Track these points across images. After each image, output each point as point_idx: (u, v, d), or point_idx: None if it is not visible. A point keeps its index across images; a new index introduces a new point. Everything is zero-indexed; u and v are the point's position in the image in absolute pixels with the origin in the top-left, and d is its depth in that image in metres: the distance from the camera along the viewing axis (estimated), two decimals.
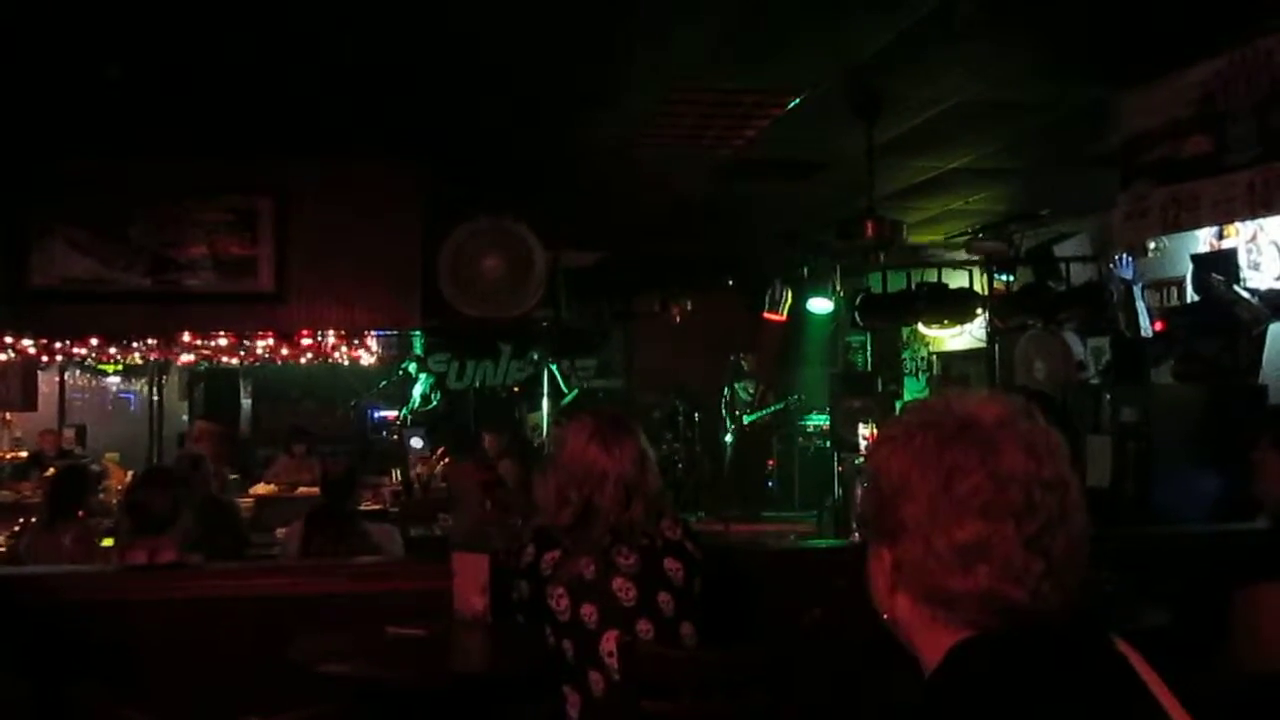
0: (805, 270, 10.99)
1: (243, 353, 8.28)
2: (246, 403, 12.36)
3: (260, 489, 9.00)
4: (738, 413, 12.03)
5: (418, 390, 12.24)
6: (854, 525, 8.94)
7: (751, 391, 12.05)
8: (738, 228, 10.09)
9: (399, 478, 9.65)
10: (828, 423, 11.24)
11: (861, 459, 9.09)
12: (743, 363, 12.11)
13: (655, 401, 12.66)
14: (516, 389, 13.65)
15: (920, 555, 1.29)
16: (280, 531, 6.58)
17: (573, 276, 10.44)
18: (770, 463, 12.38)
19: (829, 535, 9.46)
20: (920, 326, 10.70)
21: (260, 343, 7.79)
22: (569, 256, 10.07)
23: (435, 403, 12.25)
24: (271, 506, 8.39)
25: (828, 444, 11.11)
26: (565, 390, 12.10)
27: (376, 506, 8.39)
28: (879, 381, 10.85)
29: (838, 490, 10.07)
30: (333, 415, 12.35)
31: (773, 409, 11.92)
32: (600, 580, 3.07)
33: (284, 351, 8.14)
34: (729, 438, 12.00)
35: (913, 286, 8.52)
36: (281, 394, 12.46)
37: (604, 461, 3.15)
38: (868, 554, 1.38)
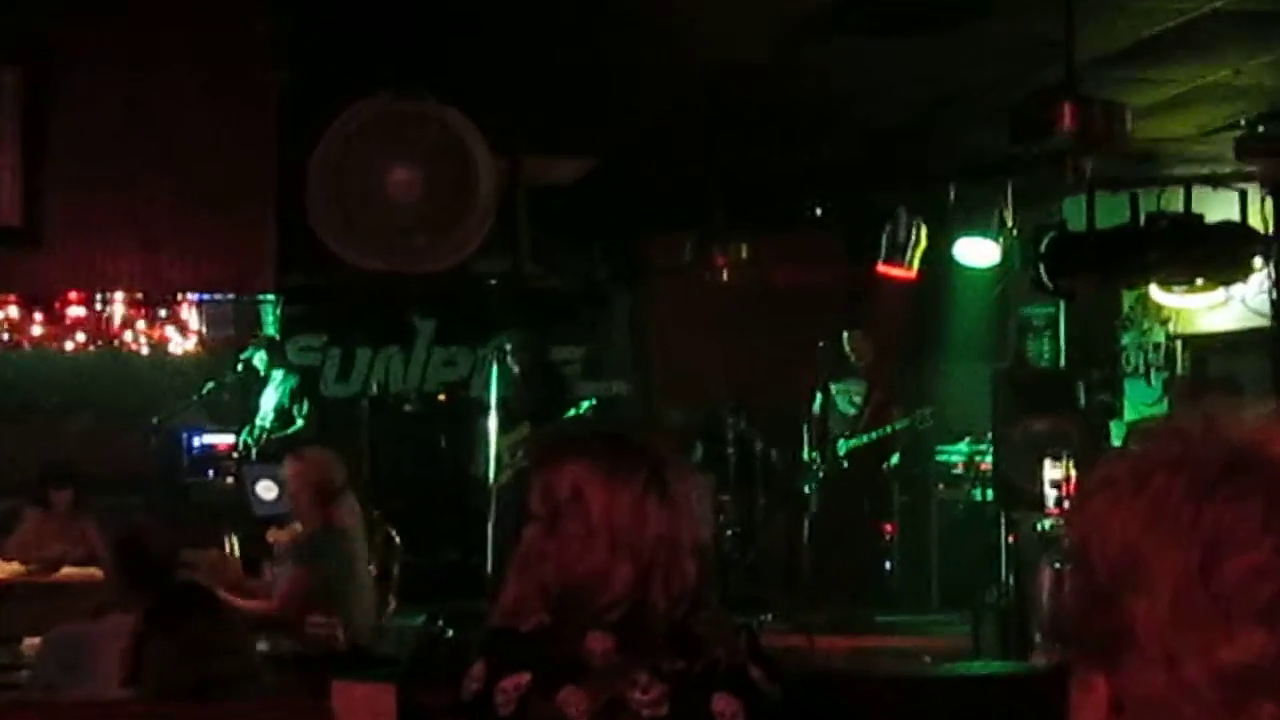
0: (950, 194, 11.02)
1: None
2: None
3: None
4: (833, 439, 12.04)
5: (269, 399, 12.29)
6: (1038, 638, 8.91)
7: (859, 401, 12.08)
8: (832, 121, 10.11)
9: (235, 550, 9.69)
10: (989, 458, 11.20)
11: (1052, 522, 9.03)
12: (847, 350, 12.13)
13: (688, 422, 12.69)
14: (442, 398, 13.67)
15: (1160, 689, 1.31)
16: (30, 643, 6.62)
17: (543, 203, 10.47)
18: (888, 528, 12.39)
19: (992, 655, 9.46)
20: (1155, 290, 10.67)
21: None
22: (536, 167, 10.11)
23: (300, 421, 12.30)
24: (15, 600, 8.44)
25: (988, 495, 11.08)
26: (568, 395, 12.13)
27: None
28: (1079, 388, 10.84)
29: (1007, 577, 10.08)
30: (119, 443, 12.40)
31: (890, 430, 11.95)
32: None
33: (35, 331, 8.17)
34: (813, 484, 12.02)
35: (1141, 220, 8.51)
36: (29, 405, 12.50)
37: (668, 526, 3.18)
38: (1069, 686, 1.39)
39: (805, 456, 12.10)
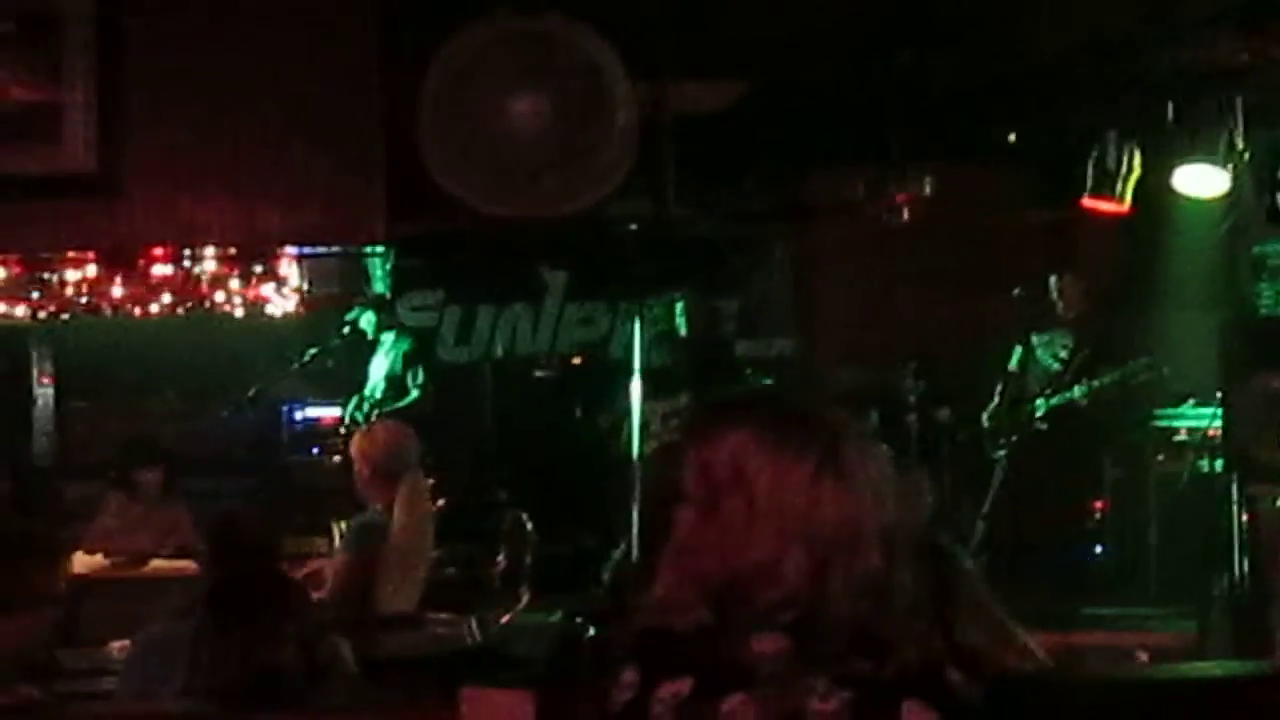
0: (1169, 112, 10.86)
1: (33, 296, 8.46)
2: (41, 397, 12.66)
3: (75, 563, 9.14)
4: (1033, 397, 11.95)
5: (380, 366, 12.43)
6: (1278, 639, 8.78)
7: (1064, 355, 11.99)
8: (1030, 26, 10.01)
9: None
10: (1217, 423, 11.08)
11: None
12: (1054, 298, 12.04)
13: (859, 383, 12.70)
14: (577, 361, 13.77)
15: None
16: (118, 645, 6.74)
17: (690, 135, 10.46)
18: (1098, 505, 12.29)
19: (1222, 654, 9.36)
20: None
21: (70, 273, 7.96)
22: (681, 93, 10.09)
23: (415, 391, 12.43)
24: (100, 597, 8.56)
25: (1217, 466, 10.97)
26: (723, 356, 12.17)
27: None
28: None
29: (1241, 563, 9.97)
30: (212, 419, 12.59)
31: (1100, 384, 11.85)
32: None
33: (116, 292, 8.30)
34: (1003, 450, 11.95)
35: None
36: (110, 379, 12.73)
37: (849, 510, 3.18)
38: None
39: (990, 420, 12.03)
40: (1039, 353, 12.11)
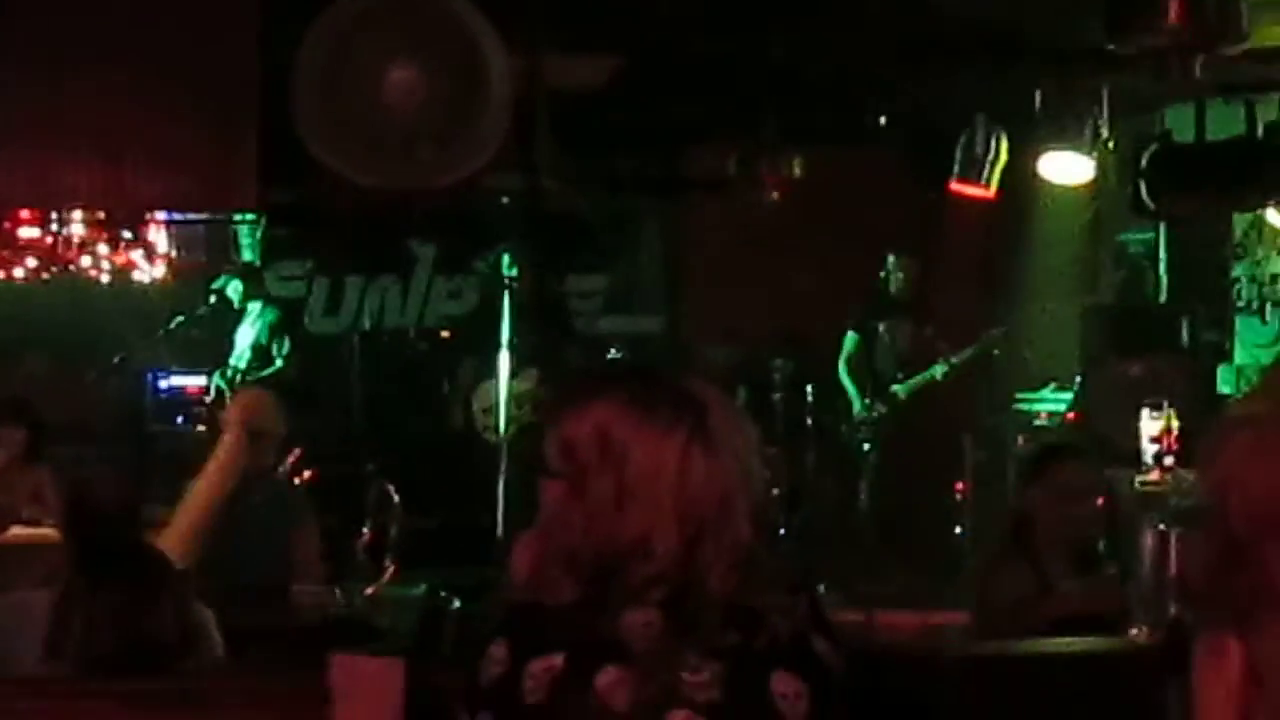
0: (1036, 100, 10.97)
1: None
2: None
3: None
4: (886, 383, 12.08)
5: (246, 335, 12.35)
6: (1144, 607, 8.94)
7: (901, 339, 12.12)
8: (901, 8, 10.05)
9: None
10: (1074, 407, 11.20)
11: (1156, 484, 9.05)
12: (891, 275, 12.17)
13: (728, 362, 12.74)
14: (445, 334, 13.72)
15: None
16: None
17: (564, 109, 10.46)
18: (959, 487, 12.40)
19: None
20: (1272, 213, 10.62)
21: None
22: (558, 67, 10.08)
23: (280, 361, 12.37)
24: None
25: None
26: (569, 329, 12.18)
27: None
28: (1183, 326, 10.83)
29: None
30: (78, 385, 12.47)
31: (959, 361, 11.96)
32: (645, 717, 3.09)
33: None
34: (869, 436, 12.04)
35: (1259, 131, 8.55)
36: None
37: (717, 482, 3.18)
38: (1194, 656, 1.40)
39: (858, 405, 12.12)
40: (882, 335, 12.21)
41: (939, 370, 12.01)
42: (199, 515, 7.21)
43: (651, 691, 3.13)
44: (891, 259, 12.25)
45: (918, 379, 12.03)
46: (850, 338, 12.21)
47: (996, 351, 12.09)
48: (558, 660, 3.16)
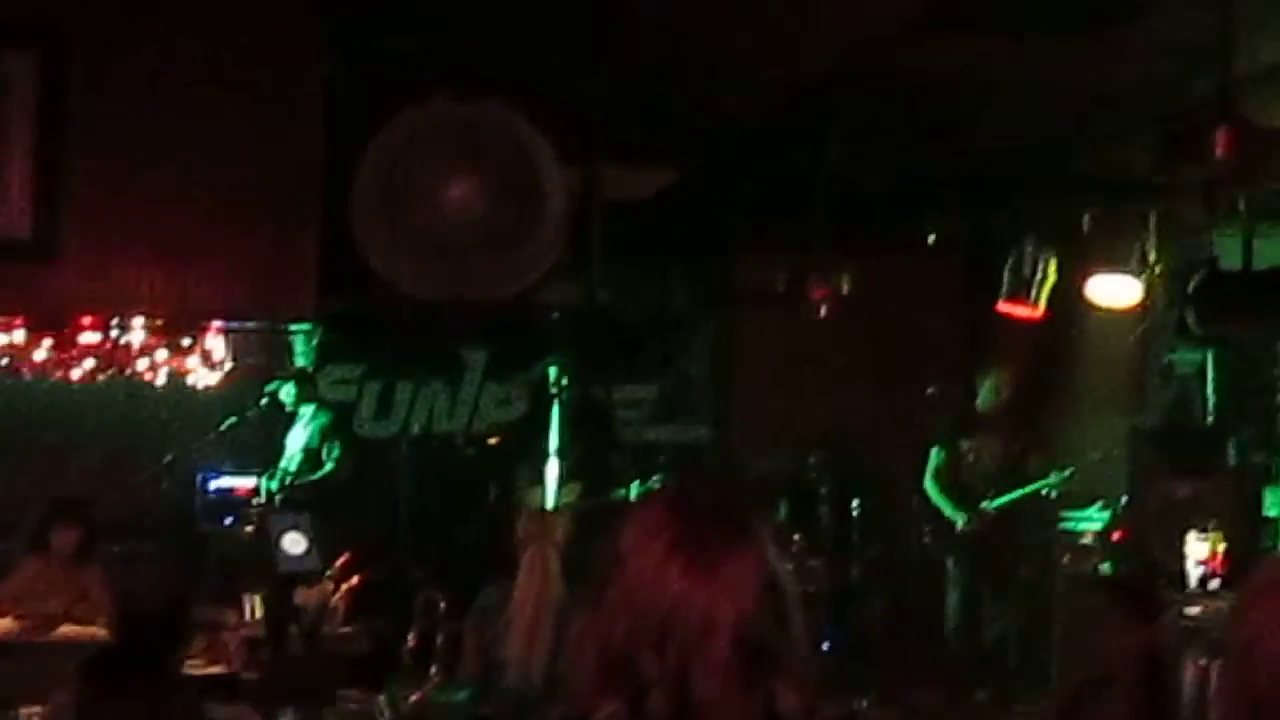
0: (1085, 223, 10.99)
1: None
2: None
3: None
4: (977, 495, 11.92)
5: (297, 438, 12.39)
6: None
7: (987, 455, 12.00)
8: (949, 134, 10.12)
9: (256, 612, 9.78)
10: (1113, 525, 11.21)
11: (1197, 609, 9.00)
12: (985, 389, 12.02)
13: (774, 473, 12.75)
14: (493, 441, 13.78)
15: None
16: (26, 712, 6.72)
17: (616, 220, 10.51)
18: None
19: None
20: None
21: None
22: (613, 179, 10.14)
23: (331, 463, 12.37)
24: (9, 660, 8.60)
25: (1119, 569, 11.04)
26: (614, 438, 12.19)
27: (214, 669, 8.53)
28: (1231, 445, 10.80)
29: None
30: (129, 483, 12.50)
31: (1028, 491, 11.87)
32: None
33: (39, 355, 8.26)
34: (949, 548, 11.96)
35: None
36: (27, 439, 12.62)
37: (699, 596, 3.19)
38: None
39: (955, 517, 11.94)
40: (969, 452, 12.09)
41: (1017, 495, 11.88)
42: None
43: None
44: (988, 375, 12.13)
45: (1003, 499, 11.90)
46: (936, 452, 12.09)
47: (1057, 491, 11.96)
48: None
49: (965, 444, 12.08)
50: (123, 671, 5.20)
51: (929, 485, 12.04)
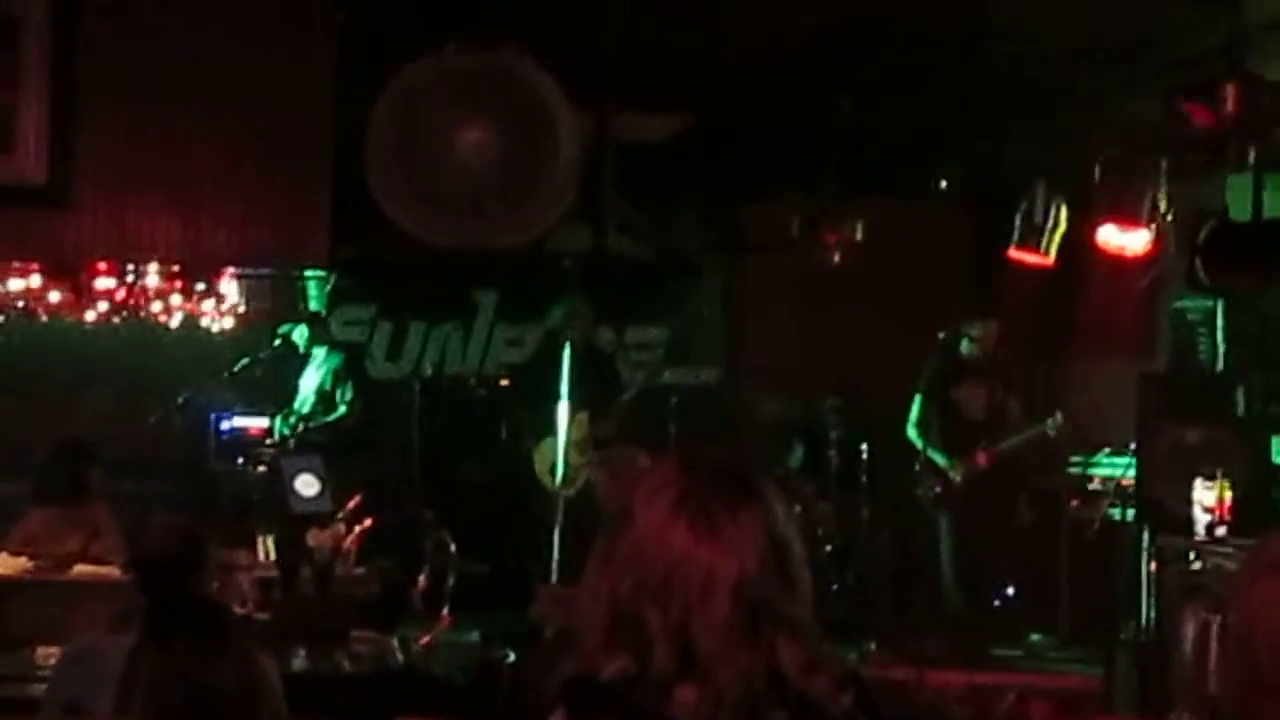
0: (1096, 171, 10.99)
1: None
2: None
3: None
4: (964, 442, 11.95)
5: (310, 380, 12.42)
6: (1185, 692, 8.84)
7: (979, 404, 12.02)
8: (958, 78, 10.12)
9: (269, 553, 9.83)
10: (1129, 472, 11.25)
11: (1200, 558, 9.02)
12: (967, 339, 12.05)
13: (784, 415, 12.80)
14: (505, 382, 13.84)
15: None
16: (44, 652, 6.78)
17: (629, 165, 10.51)
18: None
19: (1127, 701, 9.46)
20: None
21: (14, 282, 7.96)
22: (625, 123, 10.13)
23: (343, 407, 12.40)
24: (21, 599, 8.58)
25: (1127, 514, 11.09)
26: (616, 383, 12.21)
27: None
28: (1240, 394, 10.81)
29: (1148, 612, 10.06)
30: (142, 423, 12.53)
31: (1024, 436, 11.88)
32: None
33: (54, 297, 8.29)
34: (935, 495, 11.98)
35: None
36: (41, 378, 12.65)
37: (702, 553, 3.22)
38: None
39: (945, 463, 11.96)
40: (958, 398, 12.10)
41: (1016, 441, 11.87)
42: None
43: None
44: (966, 324, 12.11)
45: (1016, 439, 11.89)
46: (919, 400, 12.07)
47: (1060, 433, 11.94)
48: None
49: (952, 392, 12.11)
50: (186, 622, 5.24)
51: (912, 433, 12.06)
